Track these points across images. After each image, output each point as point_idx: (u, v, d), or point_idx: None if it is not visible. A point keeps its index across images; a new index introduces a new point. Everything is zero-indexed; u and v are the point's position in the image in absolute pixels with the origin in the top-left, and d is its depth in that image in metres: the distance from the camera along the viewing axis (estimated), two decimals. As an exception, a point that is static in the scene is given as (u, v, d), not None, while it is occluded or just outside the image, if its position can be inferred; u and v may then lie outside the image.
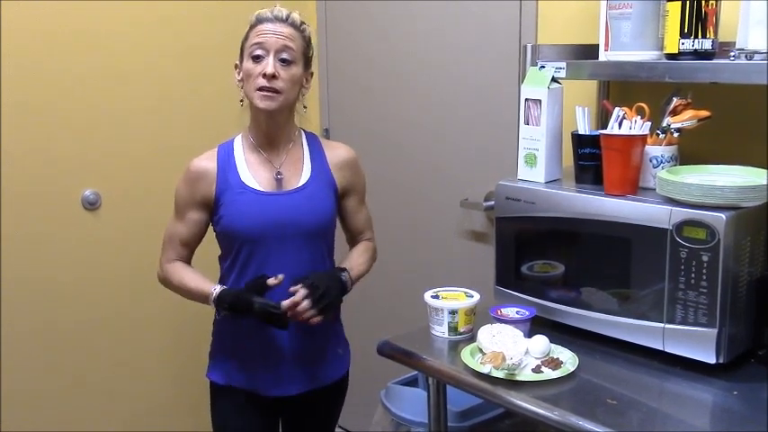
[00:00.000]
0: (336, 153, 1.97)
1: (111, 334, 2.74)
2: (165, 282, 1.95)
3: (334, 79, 3.01)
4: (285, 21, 1.81)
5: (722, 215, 1.49)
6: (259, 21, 1.82)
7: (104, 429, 2.76)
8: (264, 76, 1.77)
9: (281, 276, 1.79)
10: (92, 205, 2.64)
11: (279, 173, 1.88)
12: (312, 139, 1.97)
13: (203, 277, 1.89)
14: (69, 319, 2.64)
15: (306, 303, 1.77)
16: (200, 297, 1.87)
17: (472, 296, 1.81)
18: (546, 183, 1.84)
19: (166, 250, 1.94)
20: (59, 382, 2.65)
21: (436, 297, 1.81)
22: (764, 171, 1.62)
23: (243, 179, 1.85)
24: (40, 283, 2.57)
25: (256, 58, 1.79)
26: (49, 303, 2.60)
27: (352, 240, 2.05)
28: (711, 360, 1.54)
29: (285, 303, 1.77)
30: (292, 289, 1.79)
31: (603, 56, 1.84)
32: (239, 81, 1.85)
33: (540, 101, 1.83)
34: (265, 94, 1.79)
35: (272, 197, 1.85)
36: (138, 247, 2.74)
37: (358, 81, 2.92)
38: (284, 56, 1.79)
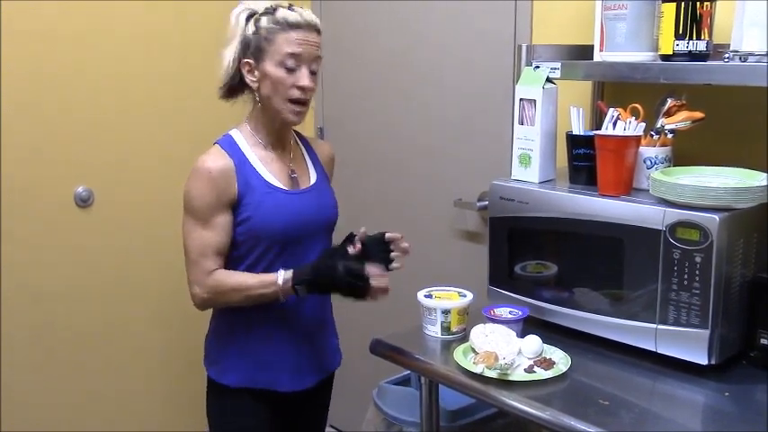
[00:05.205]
0: (323, 149, 2.00)
1: (104, 332, 2.73)
2: (214, 295, 1.78)
3: (328, 78, 3.00)
4: (316, 27, 1.76)
5: (715, 216, 1.49)
6: (291, 26, 1.73)
7: (104, 429, 2.76)
8: (301, 89, 1.73)
9: (359, 246, 1.76)
10: (84, 202, 2.63)
11: (293, 171, 1.87)
12: (301, 137, 1.98)
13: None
14: (62, 317, 2.63)
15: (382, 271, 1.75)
16: (266, 288, 1.75)
17: (465, 296, 1.81)
18: (540, 183, 1.84)
19: (200, 265, 1.77)
20: (54, 380, 2.64)
21: (429, 296, 1.81)
22: (757, 173, 1.63)
23: (265, 178, 1.80)
24: (32, 281, 2.56)
25: (290, 69, 1.73)
26: (42, 301, 2.59)
27: None
28: (703, 361, 1.55)
29: (373, 270, 1.71)
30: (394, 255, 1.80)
31: (598, 56, 1.84)
32: (255, 82, 1.77)
33: (534, 101, 1.83)
34: (299, 109, 1.76)
35: (296, 196, 1.83)
36: (131, 244, 2.73)
37: (352, 80, 2.92)
38: (314, 67, 1.76)
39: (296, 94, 1.74)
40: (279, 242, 1.80)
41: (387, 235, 1.82)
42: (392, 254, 1.81)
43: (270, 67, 1.74)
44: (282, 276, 1.74)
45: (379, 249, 1.81)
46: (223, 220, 1.78)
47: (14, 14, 2.42)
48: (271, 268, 1.79)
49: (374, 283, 1.72)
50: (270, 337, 1.86)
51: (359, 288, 1.72)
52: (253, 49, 1.76)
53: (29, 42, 2.47)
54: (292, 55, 1.73)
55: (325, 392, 2.05)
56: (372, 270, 1.72)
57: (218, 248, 1.78)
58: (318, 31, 1.78)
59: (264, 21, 1.75)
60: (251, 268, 1.81)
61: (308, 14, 1.77)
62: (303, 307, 1.86)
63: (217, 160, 1.77)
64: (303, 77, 1.74)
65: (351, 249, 1.77)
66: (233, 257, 1.83)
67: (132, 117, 2.70)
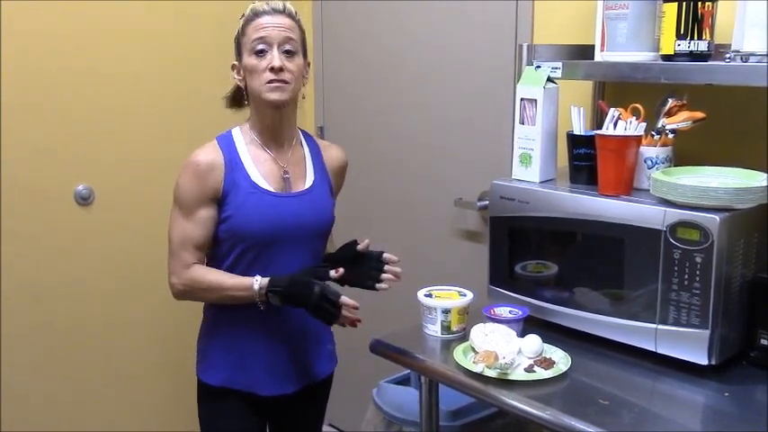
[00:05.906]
0: (333, 155, 1.97)
1: (104, 330, 2.73)
2: (190, 289, 1.80)
3: (329, 78, 3.01)
4: (283, 12, 1.79)
5: (716, 216, 1.49)
6: (256, 14, 1.78)
7: (104, 429, 2.75)
8: (272, 69, 1.74)
9: (341, 270, 1.80)
10: (85, 200, 2.63)
11: (286, 172, 1.85)
12: (309, 138, 1.96)
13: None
14: (62, 316, 2.63)
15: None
16: (241, 291, 1.77)
17: (465, 295, 1.81)
18: (540, 182, 1.84)
19: (179, 256, 1.79)
20: (54, 380, 2.64)
21: (429, 296, 1.81)
22: (758, 173, 1.63)
23: (252, 178, 1.80)
24: (33, 279, 2.56)
25: (260, 53, 1.76)
26: (42, 300, 2.59)
27: None
28: (703, 361, 1.54)
29: (347, 301, 1.75)
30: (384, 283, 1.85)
31: (599, 56, 1.84)
32: (240, 80, 1.82)
33: (535, 100, 1.83)
34: (275, 85, 1.75)
35: (284, 199, 1.82)
36: (131, 242, 2.73)
37: (353, 80, 2.92)
38: (287, 47, 1.77)
39: (269, 76, 1.76)
40: (258, 244, 1.80)
41: (384, 255, 1.87)
42: (383, 275, 1.85)
43: (245, 58, 1.79)
44: (259, 282, 1.76)
45: (371, 266, 1.86)
46: (206, 215, 1.79)
47: (14, 14, 2.42)
48: (250, 269, 1.80)
49: (345, 312, 1.76)
50: (252, 337, 1.86)
51: (329, 313, 1.75)
52: (235, 50, 1.83)
53: (29, 42, 2.47)
54: (259, 39, 1.76)
55: (317, 399, 2.03)
56: (346, 300, 1.75)
57: (199, 242, 1.80)
58: (290, 16, 1.81)
59: (241, 21, 1.82)
60: (231, 267, 1.82)
61: (276, 3, 1.81)
62: (290, 311, 1.84)
63: (207, 154, 1.80)
64: (274, 58, 1.75)
65: (333, 273, 1.79)
66: (215, 255, 1.85)
67: (132, 116, 2.70)
